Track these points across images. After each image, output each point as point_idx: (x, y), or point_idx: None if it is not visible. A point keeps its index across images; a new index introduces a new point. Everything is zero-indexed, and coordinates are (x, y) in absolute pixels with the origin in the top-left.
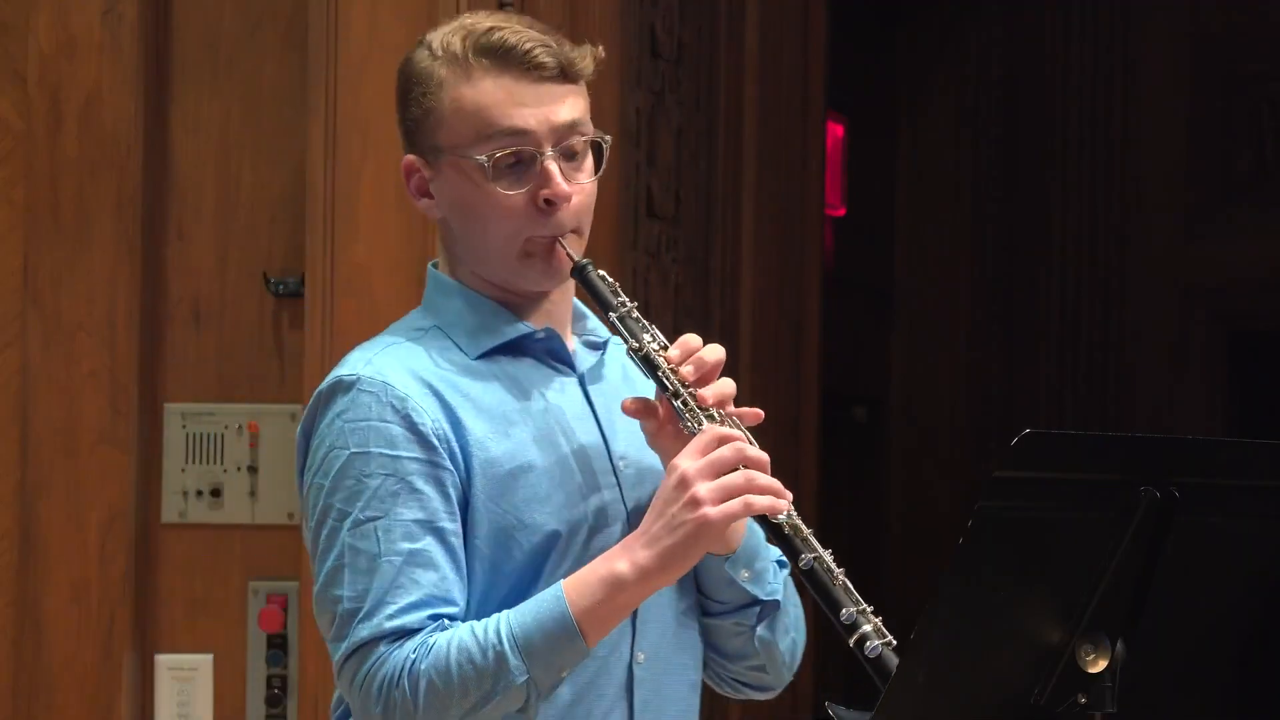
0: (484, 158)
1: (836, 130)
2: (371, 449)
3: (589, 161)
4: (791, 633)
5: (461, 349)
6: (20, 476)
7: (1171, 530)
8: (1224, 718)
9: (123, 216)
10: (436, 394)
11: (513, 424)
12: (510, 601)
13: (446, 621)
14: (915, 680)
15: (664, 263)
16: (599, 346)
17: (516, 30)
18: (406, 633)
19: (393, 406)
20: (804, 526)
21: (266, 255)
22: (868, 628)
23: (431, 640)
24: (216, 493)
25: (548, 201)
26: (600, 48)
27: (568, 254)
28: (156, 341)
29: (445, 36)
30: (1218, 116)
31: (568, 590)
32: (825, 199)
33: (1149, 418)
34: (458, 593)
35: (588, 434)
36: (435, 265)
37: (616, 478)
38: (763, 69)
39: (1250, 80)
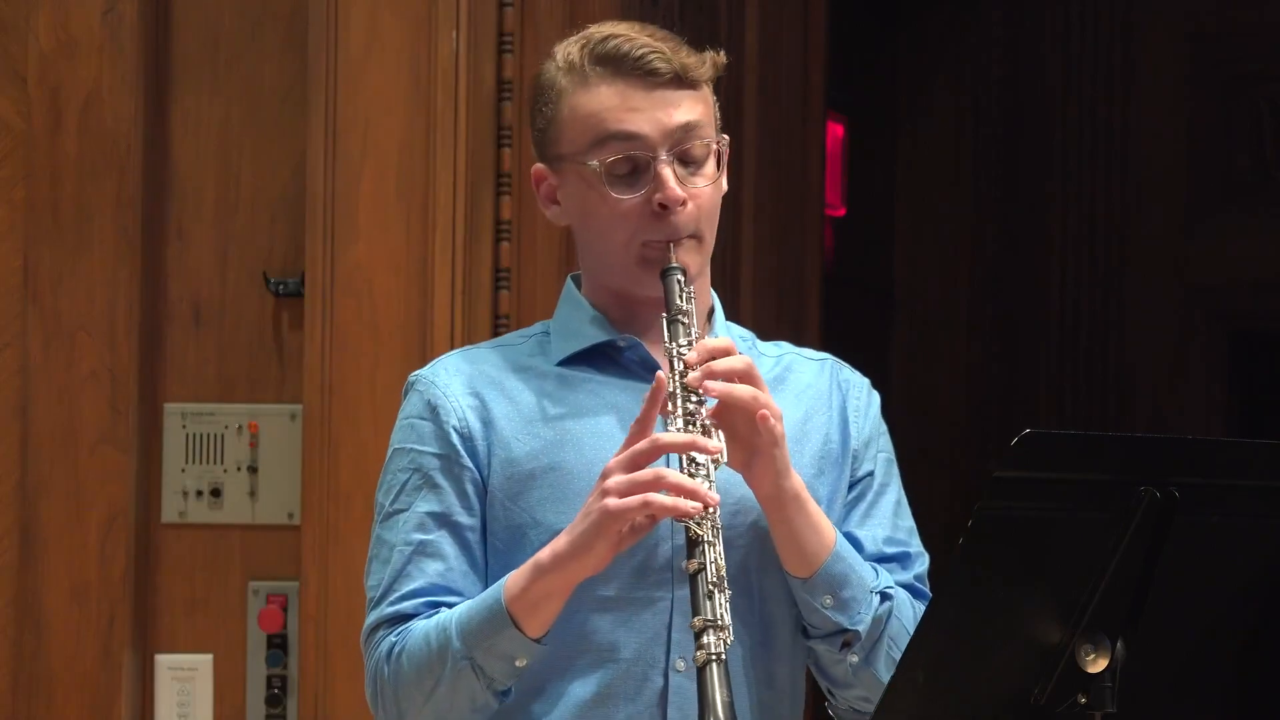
0: (598, 163)
1: (836, 130)
2: (407, 445)
3: (710, 166)
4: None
5: (550, 355)
6: (20, 476)
7: (1171, 530)
8: (1224, 718)
9: (123, 216)
10: (478, 394)
11: (551, 427)
12: None
13: (445, 610)
14: (915, 680)
15: None
16: None
17: (631, 38)
18: (402, 618)
19: (429, 404)
20: (710, 536)
21: (266, 255)
22: (709, 638)
23: (412, 626)
24: (216, 493)
25: (661, 206)
26: (721, 52)
27: (670, 259)
28: (156, 341)
29: (567, 47)
30: (1218, 116)
31: (508, 578)
32: (825, 199)
33: (1149, 418)
34: (466, 584)
35: None
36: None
37: None
38: (763, 69)
39: (1250, 80)
